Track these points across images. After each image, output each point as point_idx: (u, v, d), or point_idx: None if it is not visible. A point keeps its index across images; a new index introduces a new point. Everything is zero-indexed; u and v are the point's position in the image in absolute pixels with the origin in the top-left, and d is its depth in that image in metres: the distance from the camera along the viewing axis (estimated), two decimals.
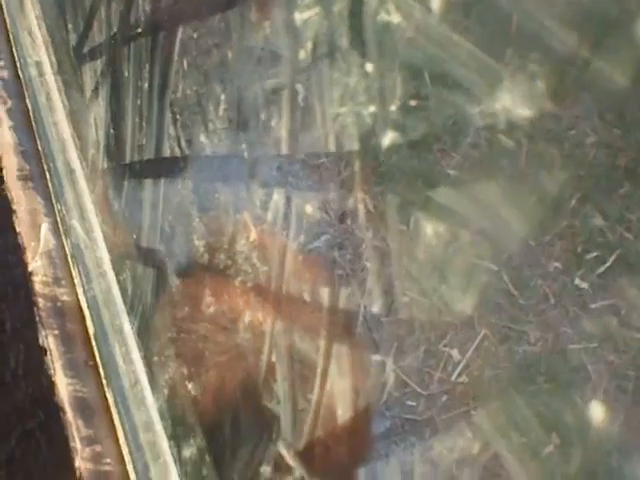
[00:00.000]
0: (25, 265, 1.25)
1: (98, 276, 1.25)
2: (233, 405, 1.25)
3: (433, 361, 1.77)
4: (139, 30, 1.40)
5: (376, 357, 1.70)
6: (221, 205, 1.36)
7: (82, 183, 1.34)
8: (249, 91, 1.40)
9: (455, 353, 1.76)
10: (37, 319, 1.21)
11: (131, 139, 1.35)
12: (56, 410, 1.14)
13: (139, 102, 1.39)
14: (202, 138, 1.43)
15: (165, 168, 1.36)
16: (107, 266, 1.26)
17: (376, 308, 1.70)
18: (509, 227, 1.69)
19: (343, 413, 1.41)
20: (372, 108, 1.40)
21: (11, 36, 1.52)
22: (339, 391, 1.40)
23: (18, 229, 1.28)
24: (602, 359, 1.64)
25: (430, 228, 1.73)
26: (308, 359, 1.39)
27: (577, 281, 1.67)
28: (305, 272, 1.41)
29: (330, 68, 1.38)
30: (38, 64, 1.47)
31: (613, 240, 1.57)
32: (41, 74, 1.46)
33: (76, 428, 1.13)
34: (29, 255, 1.26)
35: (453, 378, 1.74)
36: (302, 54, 1.40)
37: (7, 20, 1.54)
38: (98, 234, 1.29)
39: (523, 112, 1.39)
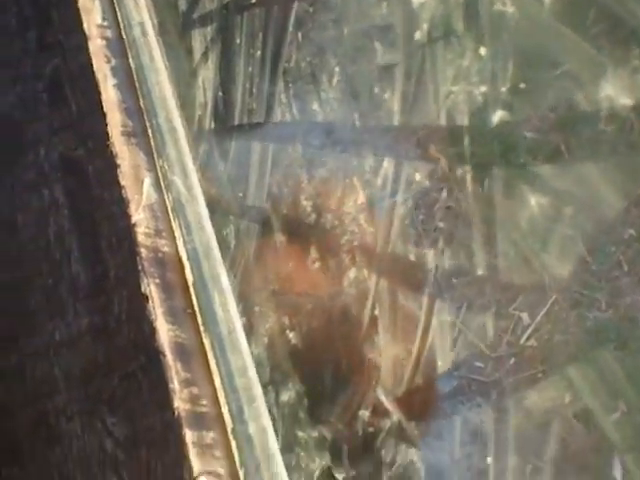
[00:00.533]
0: (129, 217, 1.35)
1: (198, 229, 1.34)
2: (334, 354, 1.33)
3: (503, 324, 1.82)
4: (253, 1, 1.48)
5: (446, 317, 1.76)
6: (330, 169, 1.45)
7: (183, 141, 1.42)
8: (363, 65, 1.50)
9: (525, 317, 1.81)
10: (140, 268, 1.30)
11: (241, 103, 1.44)
12: (156, 354, 1.24)
13: (250, 69, 1.48)
14: (315, 106, 1.53)
15: (276, 133, 1.45)
16: (206, 220, 1.35)
17: (448, 268, 1.75)
18: (586, 192, 1.72)
19: (442, 364, 1.49)
20: (483, 88, 1.50)
21: None
22: (439, 344, 1.48)
23: (122, 183, 1.37)
24: None
25: (503, 190, 1.76)
26: (410, 314, 1.48)
27: None
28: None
29: (445, 50, 1.48)
30: (141, 25, 1.56)
31: None
32: (144, 34, 1.54)
33: (175, 371, 1.22)
34: (132, 208, 1.36)
35: (522, 341, 1.78)
36: (418, 35, 1.49)
37: None
38: (198, 190, 1.38)
39: (624, 101, 1.45)
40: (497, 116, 1.54)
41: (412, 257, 1.73)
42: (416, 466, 1.49)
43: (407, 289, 1.51)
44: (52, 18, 1.58)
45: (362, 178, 1.46)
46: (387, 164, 1.49)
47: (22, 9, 1.62)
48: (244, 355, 1.24)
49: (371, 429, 1.46)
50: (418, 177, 1.53)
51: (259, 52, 1.50)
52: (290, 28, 1.49)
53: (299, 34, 1.53)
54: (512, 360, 1.77)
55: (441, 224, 1.77)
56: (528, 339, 1.80)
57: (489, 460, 1.63)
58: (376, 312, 1.46)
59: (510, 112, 1.55)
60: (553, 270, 1.81)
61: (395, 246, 1.50)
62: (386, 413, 1.43)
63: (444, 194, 1.74)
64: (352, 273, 1.46)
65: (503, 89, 1.51)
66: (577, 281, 1.80)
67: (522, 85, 1.53)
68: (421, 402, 1.52)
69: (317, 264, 1.40)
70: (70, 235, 1.37)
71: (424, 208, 1.75)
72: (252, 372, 1.22)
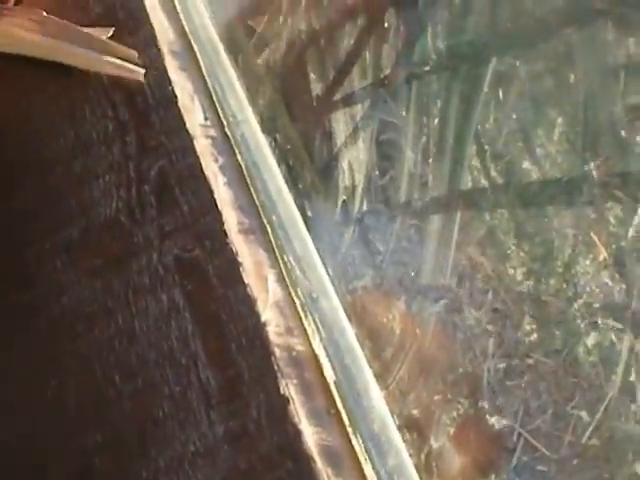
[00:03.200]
0: (258, 316, 1.36)
1: (334, 325, 1.35)
2: None
3: (562, 424, 1.79)
4: (426, 68, 1.51)
5: (503, 421, 1.73)
6: (552, 228, 1.44)
7: (306, 235, 1.45)
8: (603, 109, 1.47)
9: (584, 415, 1.77)
10: (275, 368, 1.30)
11: (408, 178, 1.45)
12: (305, 458, 1.23)
13: (424, 140, 1.49)
14: (526, 164, 1.52)
15: (466, 201, 1.45)
16: (341, 313, 1.37)
17: (499, 371, 1.74)
18: None
19: None
20: None
21: (214, 95, 1.67)
22: None
23: (246, 281, 1.39)
24: None
25: (549, 286, 1.75)
26: None
27: None
28: None
29: None
30: (246, 122, 1.61)
31: None
32: (250, 132, 1.60)
33: (327, 476, 1.21)
34: (260, 306, 1.37)
35: (584, 441, 1.75)
36: None
37: (208, 80, 1.69)
38: (328, 283, 1.40)
39: None
40: None
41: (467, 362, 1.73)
42: None
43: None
44: (151, 120, 1.64)
45: (604, 231, 1.44)
46: None
47: (118, 114, 1.68)
48: (402, 454, 1.23)
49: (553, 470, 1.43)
50: None
51: (436, 120, 1.51)
52: (485, 88, 1.50)
53: (499, 91, 1.53)
54: (575, 461, 1.75)
55: (489, 327, 1.76)
56: (590, 438, 1.77)
57: None
58: (632, 378, 1.43)
59: None
60: (606, 364, 1.80)
61: None
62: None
63: (489, 296, 1.74)
64: (591, 339, 1.44)
65: None
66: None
67: None
68: None
69: (534, 335, 1.39)
70: (195, 339, 1.38)
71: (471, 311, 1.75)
72: (413, 472, 1.21)
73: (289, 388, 1.28)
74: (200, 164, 1.54)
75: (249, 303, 1.37)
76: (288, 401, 1.27)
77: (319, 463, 1.22)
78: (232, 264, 1.42)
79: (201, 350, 1.37)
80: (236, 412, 1.30)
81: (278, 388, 1.28)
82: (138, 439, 1.34)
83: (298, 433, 1.24)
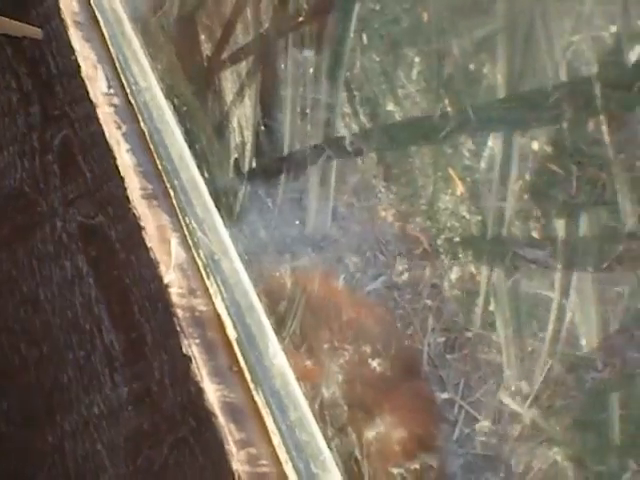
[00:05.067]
0: (160, 278, 1.35)
1: (235, 284, 1.35)
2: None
3: (502, 395, 1.80)
4: (300, 19, 1.48)
5: (444, 395, 1.75)
6: (415, 168, 1.42)
7: (208, 198, 1.44)
8: (453, 46, 1.46)
9: (524, 385, 1.79)
10: (178, 329, 1.30)
11: (290, 130, 1.43)
12: (207, 415, 1.23)
13: (301, 90, 1.48)
14: (390, 107, 1.50)
15: (340, 148, 1.44)
16: (242, 274, 1.36)
17: (439, 345, 1.75)
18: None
19: (588, 341, 1.43)
20: (613, 28, 1.41)
21: (117, 64, 1.65)
22: (581, 320, 1.41)
23: (149, 245, 1.38)
24: None
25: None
26: (537, 297, 1.43)
27: None
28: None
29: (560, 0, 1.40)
30: (149, 90, 1.60)
31: None
32: (153, 99, 1.58)
33: (229, 432, 1.21)
34: (163, 269, 1.36)
35: (523, 411, 1.77)
36: None
37: (111, 49, 1.67)
38: (230, 245, 1.40)
39: None
40: (636, 53, 1.40)
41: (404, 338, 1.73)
42: (560, 465, 1.44)
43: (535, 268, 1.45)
44: (55, 90, 1.61)
45: (459, 166, 1.43)
46: (493, 141, 1.46)
47: (22, 85, 1.65)
48: (302, 407, 1.23)
49: (493, 440, 1.43)
50: (536, 146, 1.48)
51: (311, 70, 1.49)
52: (351, 34, 1.48)
53: (364, 36, 1.52)
54: (516, 431, 1.77)
55: (429, 302, 1.77)
56: (529, 408, 1.80)
57: None
58: (491, 307, 1.43)
59: None
60: (543, 334, 1.82)
61: (512, 225, 1.45)
62: (515, 417, 1.40)
63: (427, 272, 1.74)
64: (454, 274, 1.44)
65: None
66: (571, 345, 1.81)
67: None
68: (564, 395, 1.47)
69: (405, 275, 1.39)
70: (98, 304, 1.37)
71: (409, 287, 1.75)
72: (313, 425, 1.21)
73: (192, 348, 1.28)
74: (103, 132, 1.52)
75: (152, 266, 1.36)
76: (191, 360, 1.27)
77: (221, 419, 1.22)
78: (135, 229, 1.40)
79: (105, 315, 1.36)
80: (140, 374, 1.29)
81: (181, 348, 1.28)
82: (44, 405, 1.33)
83: (200, 391, 1.24)
